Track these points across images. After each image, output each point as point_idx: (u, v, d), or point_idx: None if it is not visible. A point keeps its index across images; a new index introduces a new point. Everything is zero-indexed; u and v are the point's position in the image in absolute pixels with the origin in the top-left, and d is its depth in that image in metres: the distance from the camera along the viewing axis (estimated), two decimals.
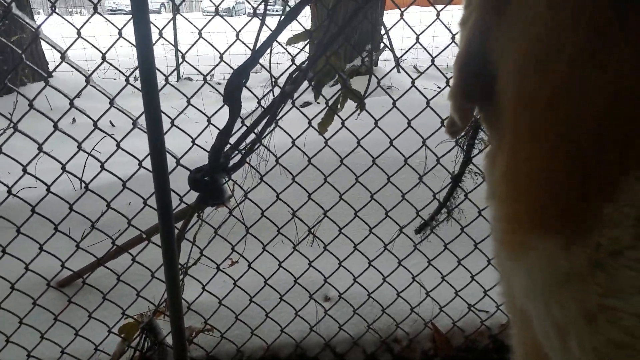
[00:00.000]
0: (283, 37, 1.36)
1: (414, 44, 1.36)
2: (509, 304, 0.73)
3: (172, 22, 1.28)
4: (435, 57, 1.37)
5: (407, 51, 1.45)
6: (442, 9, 1.36)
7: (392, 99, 1.44)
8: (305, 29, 1.36)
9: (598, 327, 0.45)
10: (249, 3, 1.49)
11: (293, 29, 1.42)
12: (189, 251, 1.50)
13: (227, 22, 1.41)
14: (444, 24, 1.32)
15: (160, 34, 1.26)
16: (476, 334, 1.76)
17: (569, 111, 0.49)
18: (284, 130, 1.47)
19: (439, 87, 5.18)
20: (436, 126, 1.41)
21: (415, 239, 1.63)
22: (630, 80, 0.45)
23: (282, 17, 1.31)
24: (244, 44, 1.34)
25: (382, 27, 4.65)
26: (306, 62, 1.38)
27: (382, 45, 4.77)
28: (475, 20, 0.60)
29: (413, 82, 1.45)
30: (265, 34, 1.33)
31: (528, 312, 0.60)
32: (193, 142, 1.48)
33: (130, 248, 1.68)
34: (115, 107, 1.25)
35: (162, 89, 1.18)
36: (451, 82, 0.69)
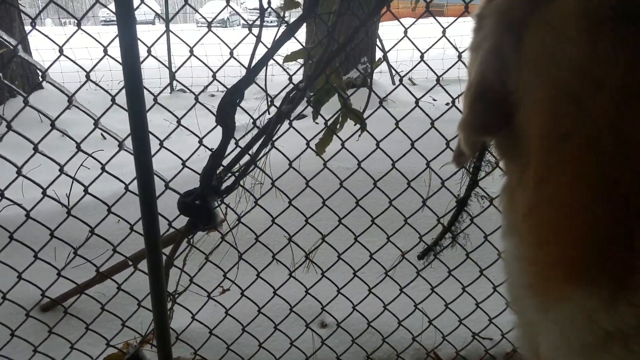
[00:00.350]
0: (280, 51, 1.29)
1: (419, 62, 1.30)
2: (529, 351, 0.67)
3: (164, 34, 1.21)
4: (441, 76, 1.30)
5: (412, 69, 1.38)
6: (448, 26, 1.30)
7: (395, 119, 1.36)
8: (302, 45, 1.29)
9: None
10: (242, 18, 1.40)
11: (289, 46, 1.36)
12: (177, 278, 1.42)
13: (219, 37, 1.34)
14: (449, 41, 1.26)
15: (149, 51, 1.19)
16: None
17: (614, 149, 0.45)
18: (281, 152, 1.40)
19: (434, 100, 5.18)
20: (438, 141, 1.34)
21: (418, 264, 1.55)
22: None
23: (278, 33, 1.24)
24: (238, 62, 1.27)
25: (377, 39, 4.61)
26: (304, 81, 1.31)
27: (377, 57, 4.73)
28: (489, 48, 0.56)
29: (417, 102, 1.37)
30: (261, 49, 1.26)
31: None
32: (183, 164, 1.40)
33: (115, 274, 1.59)
34: (100, 129, 1.17)
35: (150, 109, 1.10)
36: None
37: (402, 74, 1.49)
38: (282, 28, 1.24)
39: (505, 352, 1.71)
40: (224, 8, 1.35)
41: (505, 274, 0.77)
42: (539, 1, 0.51)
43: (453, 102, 1.37)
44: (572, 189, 0.48)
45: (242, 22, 17.17)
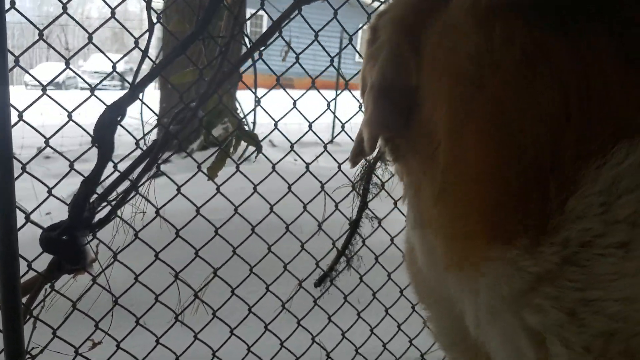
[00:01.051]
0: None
1: (273, 130, 1.32)
2: (455, 341, 0.70)
3: None
4: (296, 142, 1.35)
5: (267, 136, 1.40)
6: (298, 98, 1.37)
7: (271, 162, 1.36)
8: (196, 65, 1.23)
9: (584, 322, 0.44)
10: (84, 80, 1.25)
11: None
12: (30, 333, 1.15)
13: (55, 100, 1.18)
14: (299, 111, 1.36)
15: None
16: None
17: (516, 119, 0.50)
18: (147, 200, 1.27)
19: (295, 160, 5.45)
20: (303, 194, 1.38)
21: (315, 292, 1.51)
22: (579, 80, 0.47)
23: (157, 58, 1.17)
24: (77, 124, 1.11)
25: (237, 105, 4.70)
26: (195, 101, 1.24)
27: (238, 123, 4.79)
28: (388, 52, 0.62)
29: (292, 146, 1.40)
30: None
31: (486, 341, 0.56)
32: (27, 218, 1.16)
33: None
34: None
35: None
36: (366, 111, 0.68)
37: (262, 135, 1.52)
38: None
39: None
40: (63, 70, 1.18)
41: (411, 274, 0.80)
42: (433, 6, 0.57)
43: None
44: (482, 161, 0.52)
45: (80, 85, 15.86)
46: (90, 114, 1.23)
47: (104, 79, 1.42)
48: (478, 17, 0.52)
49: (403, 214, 1.58)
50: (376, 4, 1.48)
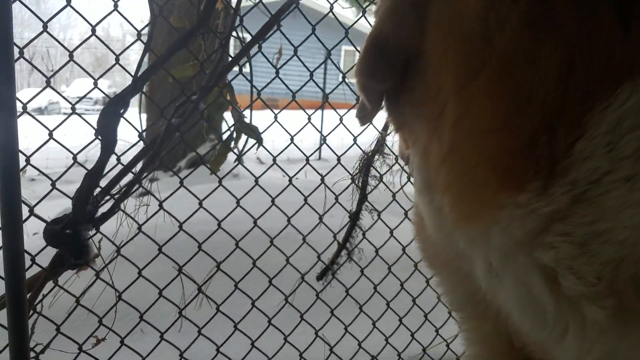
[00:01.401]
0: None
1: (254, 144, 1.35)
2: (465, 298, 0.72)
3: None
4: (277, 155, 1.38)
5: (247, 150, 1.40)
6: (278, 112, 1.37)
7: (254, 176, 1.38)
8: (197, 59, 1.25)
9: (594, 252, 0.46)
10: (68, 102, 1.22)
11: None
12: (39, 329, 1.13)
13: (36, 119, 1.17)
14: (282, 126, 1.38)
15: None
16: None
17: (523, 70, 0.52)
18: (130, 217, 1.28)
19: (283, 176, 5.46)
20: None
21: (318, 286, 1.51)
22: (581, 32, 0.50)
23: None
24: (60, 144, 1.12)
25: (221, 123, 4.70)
26: (197, 94, 1.26)
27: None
28: (388, 6, 0.64)
29: (274, 160, 1.41)
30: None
31: (497, 291, 0.58)
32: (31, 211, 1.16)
33: None
34: None
35: None
36: (357, 61, 0.70)
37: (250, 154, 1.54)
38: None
39: None
40: (44, 88, 1.17)
41: (420, 243, 0.82)
42: None
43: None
44: (492, 113, 0.54)
45: (63, 110, 15.56)
46: (74, 136, 1.23)
47: (85, 95, 1.40)
48: None
49: (402, 207, 1.61)
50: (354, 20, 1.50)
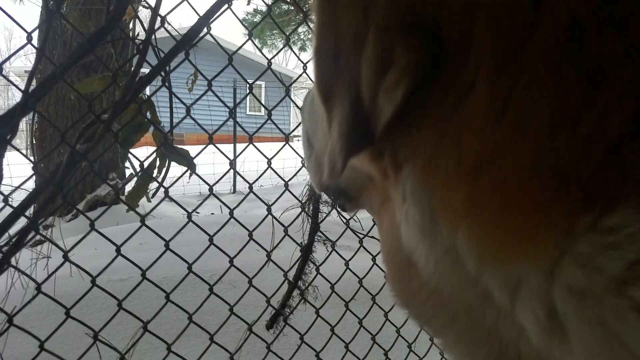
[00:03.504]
0: None
1: (157, 189, 1.17)
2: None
3: None
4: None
5: (156, 190, 1.23)
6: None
7: (187, 211, 1.16)
8: (107, 68, 1.02)
9: None
10: None
11: None
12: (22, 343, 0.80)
13: None
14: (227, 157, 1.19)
15: None
16: None
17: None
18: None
19: (197, 213, 5.22)
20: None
21: (268, 336, 1.28)
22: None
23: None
24: None
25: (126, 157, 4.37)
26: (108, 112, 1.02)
27: (128, 173, 4.43)
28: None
29: (166, 192, 1.13)
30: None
31: (555, 350, 0.44)
32: None
33: None
34: None
35: None
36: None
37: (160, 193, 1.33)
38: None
39: None
40: None
41: (407, 296, 0.64)
42: None
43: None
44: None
45: None
46: None
47: None
48: None
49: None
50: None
